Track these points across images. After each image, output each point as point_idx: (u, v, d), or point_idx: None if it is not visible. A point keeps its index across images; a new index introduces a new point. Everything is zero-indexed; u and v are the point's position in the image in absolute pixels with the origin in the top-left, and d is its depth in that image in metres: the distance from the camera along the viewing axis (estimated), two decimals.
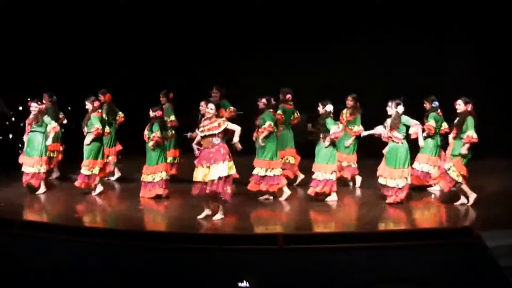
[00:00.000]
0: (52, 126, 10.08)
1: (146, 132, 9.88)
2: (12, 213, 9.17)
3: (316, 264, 7.59)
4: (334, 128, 9.34)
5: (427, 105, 10.00)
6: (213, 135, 8.42)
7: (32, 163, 10.07)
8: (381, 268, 7.56)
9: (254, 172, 9.70)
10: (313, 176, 9.50)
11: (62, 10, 12.71)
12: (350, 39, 12.82)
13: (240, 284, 7.28)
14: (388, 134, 9.16)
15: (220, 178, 8.38)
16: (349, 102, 10.50)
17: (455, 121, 9.02)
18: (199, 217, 8.68)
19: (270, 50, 13.21)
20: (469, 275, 7.48)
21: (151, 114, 9.84)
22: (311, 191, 9.49)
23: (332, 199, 9.50)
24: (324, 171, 9.41)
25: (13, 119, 11.33)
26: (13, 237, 8.42)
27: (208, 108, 8.53)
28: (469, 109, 8.93)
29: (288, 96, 10.54)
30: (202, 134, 8.48)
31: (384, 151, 9.39)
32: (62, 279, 7.83)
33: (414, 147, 9.47)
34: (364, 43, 12.76)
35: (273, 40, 13.10)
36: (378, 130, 9.32)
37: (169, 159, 10.59)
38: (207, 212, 8.69)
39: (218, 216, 8.68)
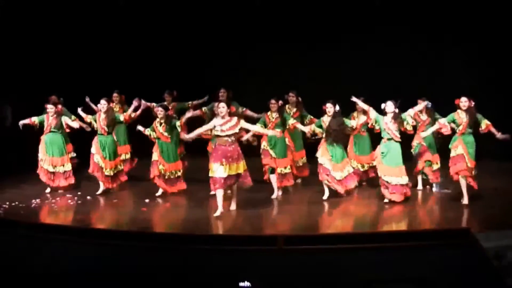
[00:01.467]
0: (73, 119, 10.50)
1: (161, 129, 10.06)
2: (16, 214, 9.26)
3: (316, 265, 7.68)
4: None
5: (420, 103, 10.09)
6: (230, 135, 8.79)
7: (56, 163, 10.42)
8: (379, 268, 7.63)
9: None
10: (344, 175, 9.72)
11: (60, 11, 12.73)
12: (349, 40, 12.88)
13: (241, 284, 7.36)
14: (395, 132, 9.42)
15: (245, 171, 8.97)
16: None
17: (465, 117, 9.19)
18: (216, 214, 8.94)
19: (270, 50, 13.22)
20: (466, 275, 7.56)
21: (162, 112, 10.02)
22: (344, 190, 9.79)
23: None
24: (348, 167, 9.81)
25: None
26: (18, 238, 8.52)
27: (220, 108, 8.82)
28: (472, 104, 9.21)
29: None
30: (223, 134, 8.77)
31: (378, 150, 9.57)
32: (66, 280, 7.89)
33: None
34: (363, 44, 12.82)
35: (273, 41, 13.13)
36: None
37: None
38: (221, 208, 8.98)
39: (233, 206, 9.22)
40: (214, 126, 8.85)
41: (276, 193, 10.04)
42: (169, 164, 10.08)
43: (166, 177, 10.07)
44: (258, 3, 12.82)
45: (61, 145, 10.52)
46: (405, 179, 9.40)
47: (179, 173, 10.21)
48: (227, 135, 8.78)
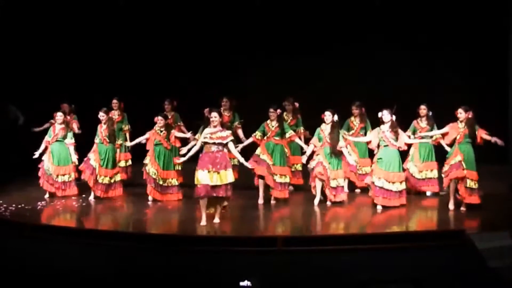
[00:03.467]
0: (70, 142, 10.55)
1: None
2: (23, 216, 9.40)
3: (313, 265, 7.84)
4: (342, 142, 9.80)
5: (422, 111, 10.20)
6: (217, 143, 8.69)
7: (63, 172, 10.51)
8: (376, 269, 7.80)
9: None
10: (335, 184, 9.78)
11: (60, 12, 12.65)
12: (348, 45, 12.95)
13: (241, 283, 7.53)
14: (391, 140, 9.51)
15: (229, 183, 8.73)
16: (355, 111, 10.69)
17: (462, 128, 9.34)
18: (202, 223, 8.85)
19: (270, 54, 13.27)
20: (461, 275, 7.69)
21: (162, 121, 10.18)
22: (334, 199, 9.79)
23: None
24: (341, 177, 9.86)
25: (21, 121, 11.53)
26: (24, 239, 8.69)
27: (212, 117, 8.74)
28: (470, 116, 9.34)
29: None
30: (211, 141, 8.67)
31: (377, 156, 9.69)
32: (70, 280, 7.99)
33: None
34: (363, 50, 12.89)
35: (273, 45, 13.22)
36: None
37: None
38: (205, 217, 8.87)
39: (217, 219, 8.98)
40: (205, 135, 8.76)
41: (262, 199, 10.04)
42: (162, 170, 10.20)
43: (159, 182, 10.18)
44: (258, 3, 12.79)
45: (67, 154, 10.57)
46: (398, 187, 9.51)
47: (173, 182, 10.30)
48: (214, 143, 8.67)
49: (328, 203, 9.84)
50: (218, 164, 8.63)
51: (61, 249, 8.47)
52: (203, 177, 8.62)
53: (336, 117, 9.80)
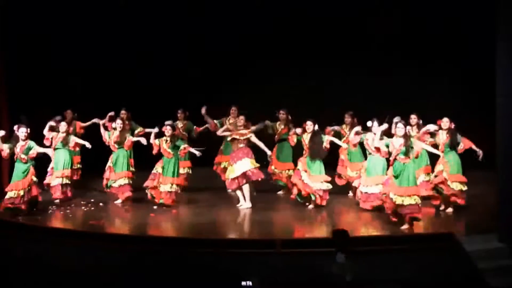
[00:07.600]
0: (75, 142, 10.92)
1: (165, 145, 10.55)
2: (34, 220, 9.68)
3: (311, 266, 8.12)
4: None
5: (412, 120, 10.33)
6: (239, 141, 10.31)
7: (61, 176, 10.77)
8: (370, 270, 7.96)
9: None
10: (319, 187, 10.14)
11: (61, 13, 12.53)
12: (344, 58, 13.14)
13: (243, 283, 7.81)
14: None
15: (246, 171, 10.18)
16: (347, 119, 10.99)
17: (444, 137, 9.67)
18: (239, 205, 10.32)
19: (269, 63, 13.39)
20: (449, 277, 8.00)
21: (170, 131, 10.52)
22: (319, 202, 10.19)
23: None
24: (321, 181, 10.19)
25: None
26: (35, 242, 9.01)
27: (240, 119, 10.51)
28: (452, 126, 9.68)
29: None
30: (235, 137, 10.40)
31: (365, 164, 10.08)
32: (77, 281, 8.30)
33: None
34: (358, 65, 13.08)
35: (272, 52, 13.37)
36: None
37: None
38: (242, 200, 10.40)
39: (248, 204, 10.28)
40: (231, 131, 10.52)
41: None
42: (166, 177, 10.48)
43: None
44: (258, 3, 12.92)
45: (67, 160, 10.84)
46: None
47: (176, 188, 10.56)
48: (240, 140, 10.34)
49: (311, 206, 10.18)
50: (236, 157, 10.28)
51: (68, 250, 8.78)
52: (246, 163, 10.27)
53: (316, 126, 10.22)
